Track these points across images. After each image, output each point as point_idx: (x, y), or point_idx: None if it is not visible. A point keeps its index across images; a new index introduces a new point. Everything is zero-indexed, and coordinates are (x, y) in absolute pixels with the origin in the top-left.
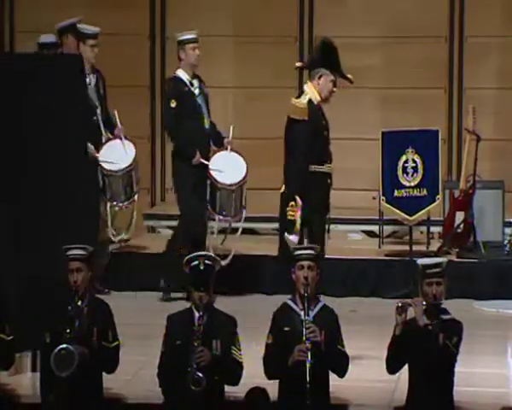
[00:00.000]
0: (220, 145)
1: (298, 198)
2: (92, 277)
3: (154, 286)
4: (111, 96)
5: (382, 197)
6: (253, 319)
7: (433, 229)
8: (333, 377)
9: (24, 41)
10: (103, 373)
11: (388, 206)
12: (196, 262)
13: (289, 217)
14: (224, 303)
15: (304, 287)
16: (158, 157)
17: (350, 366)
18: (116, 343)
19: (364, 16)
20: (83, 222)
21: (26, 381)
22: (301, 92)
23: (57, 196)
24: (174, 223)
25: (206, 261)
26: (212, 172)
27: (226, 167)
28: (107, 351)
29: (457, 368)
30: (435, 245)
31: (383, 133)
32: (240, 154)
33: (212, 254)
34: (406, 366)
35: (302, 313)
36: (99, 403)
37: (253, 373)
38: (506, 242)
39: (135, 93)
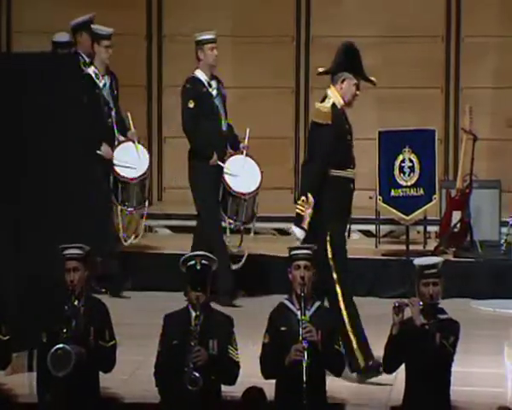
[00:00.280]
0: (236, 149)
1: (310, 196)
2: (89, 276)
3: (150, 286)
4: None
5: (379, 197)
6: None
7: (429, 228)
8: (329, 376)
9: (20, 41)
10: (100, 373)
11: (385, 205)
12: (193, 262)
13: (298, 210)
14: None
15: (300, 287)
16: (155, 157)
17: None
18: (113, 343)
19: (361, 16)
20: (83, 222)
21: (22, 380)
22: (325, 96)
23: (57, 196)
24: (172, 222)
25: (203, 261)
26: (226, 176)
27: (241, 173)
28: (103, 351)
29: (454, 368)
30: (432, 245)
31: (380, 133)
32: (255, 160)
33: (209, 254)
34: (403, 366)
35: (299, 312)
36: (96, 403)
37: (250, 373)
38: (502, 241)
39: (132, 93)
